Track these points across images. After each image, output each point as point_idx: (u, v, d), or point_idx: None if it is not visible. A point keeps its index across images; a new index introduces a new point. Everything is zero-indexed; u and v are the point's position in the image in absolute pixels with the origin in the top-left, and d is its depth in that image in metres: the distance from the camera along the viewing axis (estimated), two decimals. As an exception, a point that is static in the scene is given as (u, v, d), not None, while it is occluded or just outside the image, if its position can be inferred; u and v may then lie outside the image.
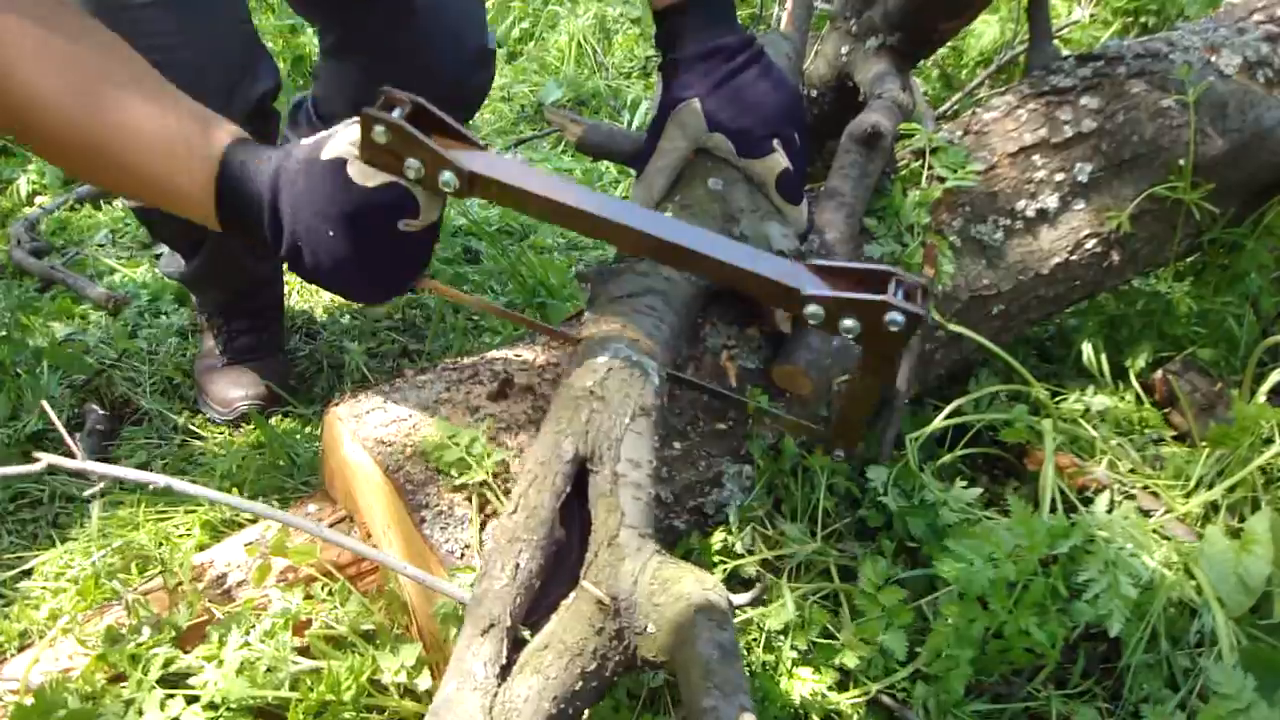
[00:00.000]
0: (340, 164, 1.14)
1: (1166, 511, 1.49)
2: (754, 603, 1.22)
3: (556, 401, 1.16)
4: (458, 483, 1.24)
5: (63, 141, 1.16)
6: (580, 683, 0.97)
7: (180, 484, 1.13)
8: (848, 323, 1.09)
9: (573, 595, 1.02)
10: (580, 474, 1.10)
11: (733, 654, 0.92)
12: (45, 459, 1.12)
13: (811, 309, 1.09)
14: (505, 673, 0.96)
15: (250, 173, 1.16)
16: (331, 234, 1.14)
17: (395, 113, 1.10)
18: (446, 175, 1.11)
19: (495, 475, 1.25)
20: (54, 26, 1.12)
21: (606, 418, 1.12)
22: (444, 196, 1.16)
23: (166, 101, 1.16)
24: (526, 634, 1.01)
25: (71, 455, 1.11)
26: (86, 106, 1.12)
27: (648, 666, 1.01)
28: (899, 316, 1.07)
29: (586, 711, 1.00)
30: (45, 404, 1.21)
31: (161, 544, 1.53)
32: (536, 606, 1.03)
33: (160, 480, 1.12)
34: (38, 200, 2.99)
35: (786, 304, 1.10)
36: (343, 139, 1.15)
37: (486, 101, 3.45)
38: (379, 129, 1.09)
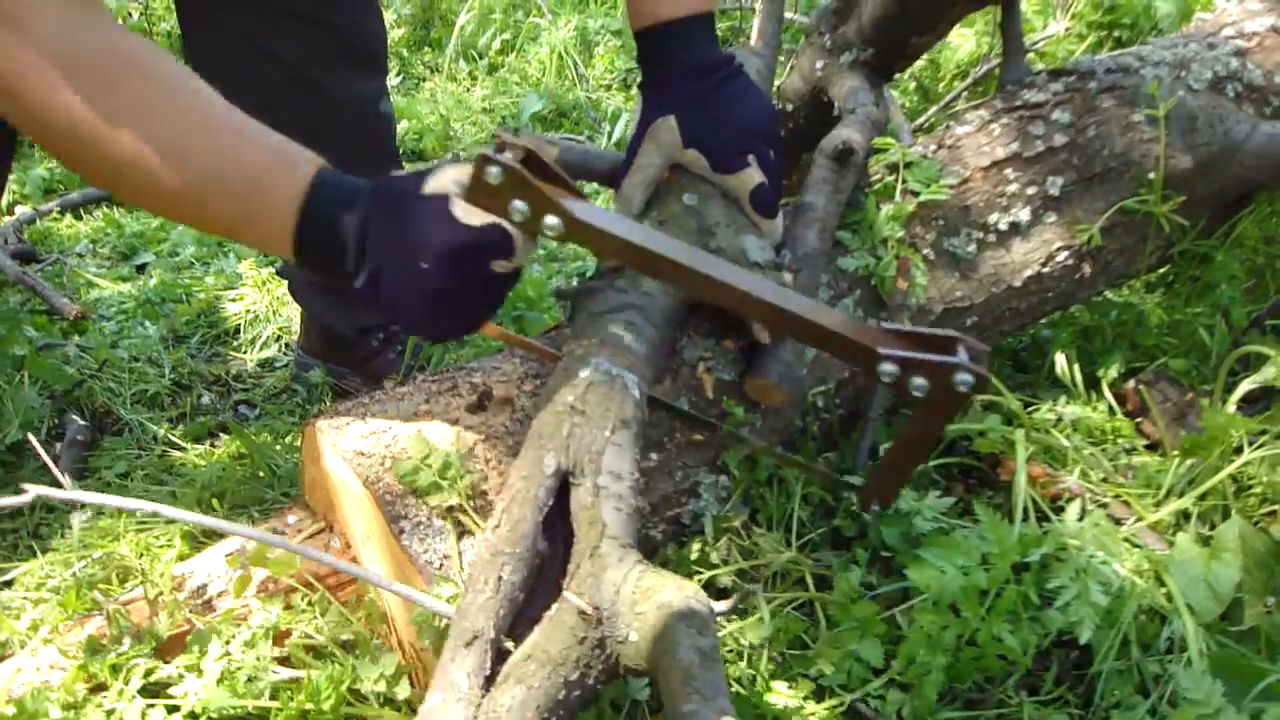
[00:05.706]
0: (444, 200, 1.15)
1: (1137, 520, 1.51)
2: (732, 611, 1.24)
3: (539, 417, 1.18)
4: (432, 502, 1.25)
5: (153, 190, 1.17)
6: (564, 692, 0.98)
7: (168, 509, 1.16)
8: (918, 381, 1.12)
9: (556, 606, 1.04)
10: (563, 487, 1.11)
11: (713, 659, 0.93)
12: (33, 490, 1.13)
13: (887, 368, 1.12)
14: (489, 683, 0.98)
15: (338, 202, 1.17)
16: (426, 267, 1.14)
17: (507, 156, 1.12)
18: (551, 220, 1.13)
19: (470, 494, 1.26)
20: (155, 81, 1.14)
21: (587, 431, 1.13)
22: (537, 240, 1.17)
23: (247, 138, 1.17)
24: (510, 645, 1.02)
25: (51, 473, 1.12)
26: (177, 156, 1.13)
27: (630, 674, 1.02)
28: (968, 377, 1.10)
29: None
30: (32, 437, 1.21)
31: (142, 554, 1.52)
32: (520, 618, 1.05)
33: (147, 507, 1.14)
34: (18, 209, 2.99)
35: (860, 361, 1.13)
36: (446, 176, 1.16)
37: (467, 113, 3.48)
38: (493, 170, 1.10)
